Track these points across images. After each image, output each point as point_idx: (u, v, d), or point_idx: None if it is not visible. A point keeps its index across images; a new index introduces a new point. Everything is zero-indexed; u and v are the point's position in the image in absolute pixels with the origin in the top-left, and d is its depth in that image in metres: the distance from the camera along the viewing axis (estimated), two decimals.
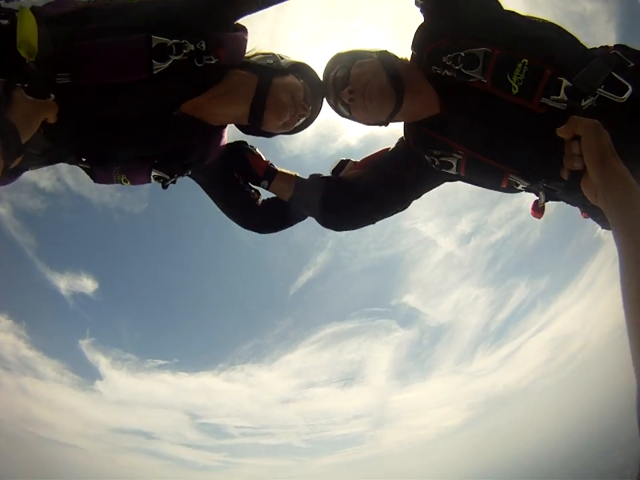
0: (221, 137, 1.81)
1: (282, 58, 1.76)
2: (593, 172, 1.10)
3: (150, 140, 1.62)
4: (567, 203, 1.70)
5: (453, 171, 1.74)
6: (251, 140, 1.98)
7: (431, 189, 1.95)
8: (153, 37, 1.43)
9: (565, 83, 1.41)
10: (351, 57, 1.79)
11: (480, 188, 1.87)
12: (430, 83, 1.69)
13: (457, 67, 1.54)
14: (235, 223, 2.03)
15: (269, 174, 1.94)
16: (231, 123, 1.82)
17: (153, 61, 1.44)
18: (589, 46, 1.61)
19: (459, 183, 1.88)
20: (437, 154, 1.74)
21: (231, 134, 1.88)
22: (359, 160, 2.06)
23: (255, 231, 2.07)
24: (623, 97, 1.37)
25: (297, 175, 1.98)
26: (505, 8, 1.67)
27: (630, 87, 1.37)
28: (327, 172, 2.06)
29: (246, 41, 1.70)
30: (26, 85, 1.31)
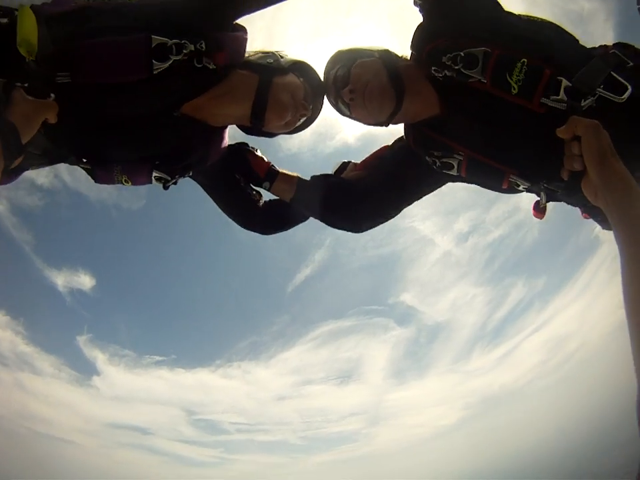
0: (222, 138, 1.80)
1: (282, 57, 1.75)
2: (593, 172, 1.10)
3: (150, 140, 1.62)
4: (568, 203, 1.70)
5: (453, 172, 1.74)
6: (251, 140, 1.98)
7: (432, 190, 1.95)
8: (152, 36, 1.43)
9: (565, 82, 1.40)
10: (351, 55, 1.79)
11: (477, 187, 1.86)
12: (430, 83, 1.68)
13: (456, 67, 1.54)
14: (236, 224, 2.02)
15: (270, 175, 1.93)
16: (232, 124, 1.82)
17: (153, 60, 1.43)
18: (588, 45, 1.61)
19: None
20: (438, 155, 1.74)
21: (231, 134, 1.88)
22: (359, 161, 2.05)
23: (257, 232, 2.07)
24: (623, 97, 1.37)
25: (299, 176, 1.97)
26: (503, 7, 1.66)
27: (629, 86, 1.37)
28: (326, 171, 2.06)
29: (246, 40, 1.69)
30: (26, 85, 1.30)
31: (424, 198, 1.98)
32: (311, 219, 2.03)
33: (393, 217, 1.96)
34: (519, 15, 1.65)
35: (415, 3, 1.75)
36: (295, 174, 1.98)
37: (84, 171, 1.64)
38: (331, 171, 2.08)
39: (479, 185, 1.83)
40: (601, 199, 1.09)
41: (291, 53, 1.81)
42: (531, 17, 1.65)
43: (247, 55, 1.73)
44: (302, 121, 1.81)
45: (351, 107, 1.75)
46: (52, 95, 1.34)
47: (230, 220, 2.03)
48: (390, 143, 2.03)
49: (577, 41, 1.61)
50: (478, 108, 1.58)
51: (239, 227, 2.02)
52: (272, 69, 1.70)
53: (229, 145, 1.88)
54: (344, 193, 1.92)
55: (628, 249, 0.96)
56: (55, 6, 1.48)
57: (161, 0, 1.57)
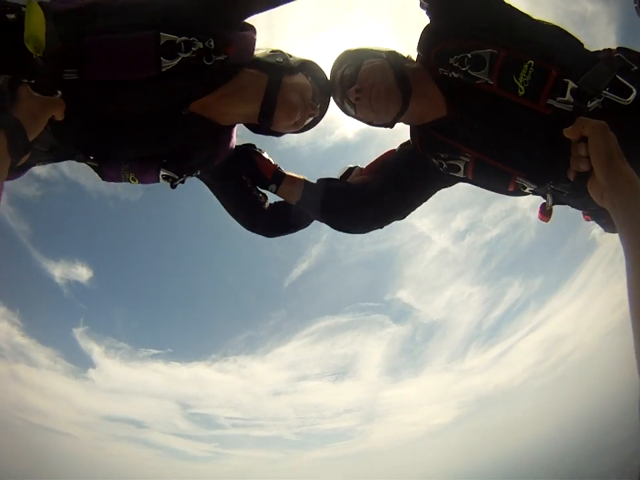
0: (230, 137, 1.79)
1: (290, 56, 1.75)
2: (600, 173, 1.10)
3: (158, 139, 1.61)
4: (572, 206, 1.71)
5: (460, 174, 1.74)
6: (256, 139, 1.97)
7: (438, 190, 1.95)
8: (161, 33, 1.41)
9: (571, 84, 1.42)
10: (359, 55, 1.79)
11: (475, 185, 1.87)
12: (436, 85, 1.69)
13: (463, 69, 1.54)
14: (239, 224, 2.00)
15: (276, 177, 1.92)
16: (240, 123, 1.81)
17: (162, 58, 1.42)
18: (590, 47, 1.63)
19: None
20: (444, 157, 1.74)
21: (237, 132, 1.86)
22: (364, 166, 2.06)
23: (262, 234, 2.06)
24: (628, 100, 1.39)
25: (306, 178, 1.97)
26: (509, 7, 1.66)
27: (634, 89, 1.39)
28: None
29: (254, 40, 1.69)
30: (32, 81, 1.29)
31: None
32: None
33: (398, 219, 1.96)
34: (525, 16, 1.66)
35: (422, 5, 1.74)
36: (301, 177, 1.97)
37: (91, 169, 1.64)
38: (336, 175, 2.07)
39: (484, 187, 1.83)
40: (607, 200, 1.09)
41: (296, 49, 1.81)
42: (536, 19, 1.66)
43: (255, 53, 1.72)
44: (309, 120, 1.82)
45: (356, 107, 1.75)
46: (59, 92, 1.33)
47: (230, 217, 2.01)
48: (395, 147, 2.03)
49: (581, 44, 1.62)
50: (485, 109, 1.59)
51: (243, 228, 2.01)
52: (281, 68, 1.70)
53: (236, 147, 1.87)
54: (349, 196, 1.92)
55: (634, 251, 0.97)
56: (63, 2, 1.46)
57: None
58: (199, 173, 1.78)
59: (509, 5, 1.67)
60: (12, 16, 1.35)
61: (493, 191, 1.82)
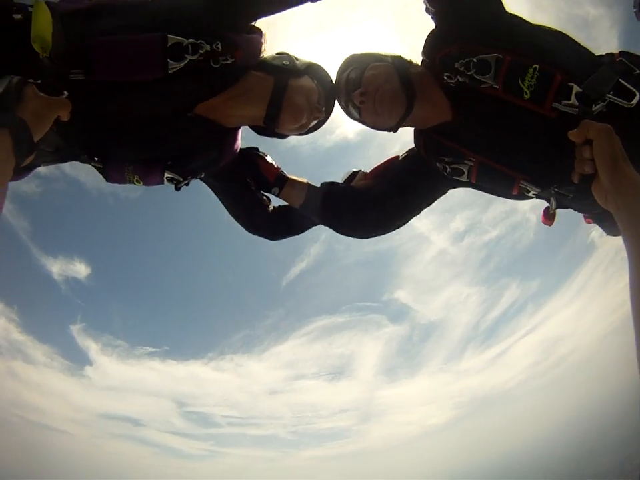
0: (235, 139, 1.80)
1: (297, 59, 1.76)
2: (605, 176, 1.10)
3: (163, 141, 1.61)
4: (575, 209, 1.72)
5: (464, 178, 1.74)
6: (260, 141, 1.98)
7: (441, 195, 1.95)
8: (168, 35, 1.42)
9: (576, 88, 1.43)
10: (364, 59, 1.80)
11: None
12: (441, 90, 1.70)
13: (469, 73, 1.55)
14: (241, 226, 2.00)
15: (279, 181, 1.93)
16: (245, 125, 1.81)
17: (169, 60, 1.43)
18: (592, 51, 1.65)
19: None
20: (448, 161, 1.74)
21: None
22: (368, 171, 2.06)
23: (264, 237, 2.06)
24: (632, 103, 1.41)
25: (309, 182, 1.97)
26: (513, 14, 1.68)
27: (638, 93, 1.41)
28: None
29: (261, 43, 1.69)
30: (39, 82, 1.28)
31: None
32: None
33: (401, 225, 1.96)
34: (528, 22, 1.67)
35: (427, 10, 1.75)
36: (304, 180, 1.97)
37: (95, 170, 1.64)
38: (339, 178, 2.08)
39: (488, 191, 1.84)
40: (611, 203, 1.10)
41: (298, 48, 1.81)
42: (539, 25, 1.67)
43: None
44: (314, 122, 1.82)
45: (361, 110, 1.76)
46: (65, 92, 1.32)
47: (229, 216, 2.00)
48: (396, 147, 2.06)
49: (585, 48, 1.64)
50: (490, 113, 1.59)
51: (246, 231, 2.01)
52: (287, 70, 1.70)
53: (240, 149, 1.87)
54: (353, 200, 1.92)
55: (637, 253, 0.97)
56: (70, 3, 1.47)
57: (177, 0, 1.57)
58: (203, 175, 1.78)
59: (512, 12, 1.68)
60: (18, 16, 1.35)
61: (496, 194, 1.82)
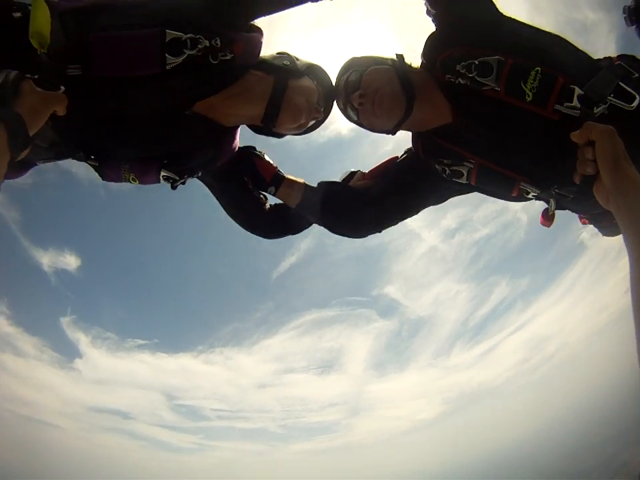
0: (233, 138, 1.79)
1: (297, 59, 1.75)
2: (607, 176, 1.11)
3: (159, 138, 1.60)
4: (573, 210, 1.74)
5: (463, 180, 1.74)
6: (257, 140, 1.97)
7: (440, 201, 1.96)
8: (167, 31, 1.41)
9: (577, 91, 1.45)
10: (364, 62, 1.80)
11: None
12: (442, 92, 1.70)
13: (470, 75, 1.56)
14: (237, 224, 1.99)
15: (276, 180, 1.92)
16: (243, 124, 1.81)
17: (167, 55, 1.41)
18: (591, 55, 1.66)
19: None
20: (448, 163, 1.74)
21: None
22: (367, 171, 2.06)
23: (261, 236, 2.06)
24: (632, 105, 1.44)
25: (305, 182, 1.97)
26: (513, 18, 1.69)
27: (638, 96, 1.43)
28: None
29: (261, 43, 1.68)
30: (36, 77, 1.27)
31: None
32: None
33: (398, 222, 1.97)
34: (528, 25, 1.69)
35: (428, 13, 1.76)
36: (301, 180, 1.97)
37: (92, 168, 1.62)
38: (336, 177, 2.08)
39: (487, 193, 1.84)
40: (612, 203, 1.11)
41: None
42: (538, 28, 1.69)
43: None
44: (312, 123, 1.82)
45: (359, 112, 1.76)
46: (62, 87, 1.32)
47: (217, 205, 1.99)
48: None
49: (584, 52, 1.65)
50: (491, 115, 1.60)
51: (244, 230, 2.00)
52: (288, 71, 1.70)
53: (238, 148, 1.86)
54: (350, 200, 1.92)
55: (637, 252, 0.99)
56: (70, 1, 1.45)
57: None
58: (199, 174, 1.77)
59: (510, 16, 1.69)
60: (18, 14, 1.35)
61: (495, 196, 1.83)
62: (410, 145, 1.97)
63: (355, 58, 1.85)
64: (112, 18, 1.43)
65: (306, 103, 1.69)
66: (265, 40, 1.71)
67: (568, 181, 1.29)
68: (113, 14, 1.44)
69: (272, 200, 2.02)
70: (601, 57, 1.68)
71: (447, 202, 1.98)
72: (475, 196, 1.91)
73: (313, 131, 1.92)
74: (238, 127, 1.80)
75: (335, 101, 1.88)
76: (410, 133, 1.94)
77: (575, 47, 1.65)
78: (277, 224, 2.04)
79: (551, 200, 1.61)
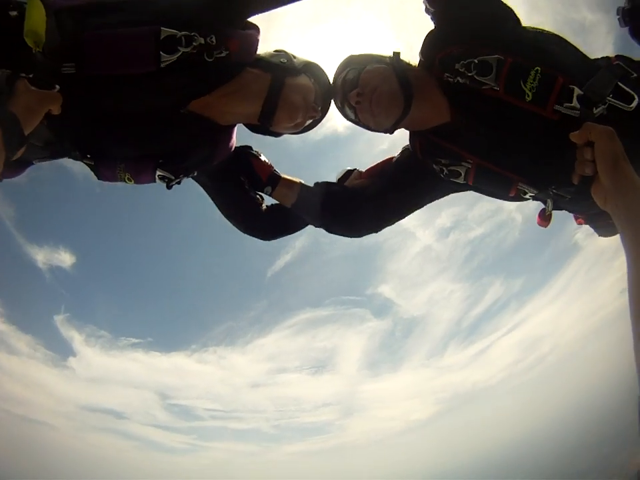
0: (229, 137, 1.77)
1: (294, 57, 1.74)
2: (605, 176, 1.12)
3: (155, 137, 1.59)
4: (570, 211, 1.74)
5: (460, 180, 1.74)
6: (254, 139, 1.96)
7: (436, 198, 1.95)
8: (162, 28, 1.40)
9: (577, 91, 1.45)
10: (362, 60, 1.79)
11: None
12: (440, 91, 1.69)
13: (469, 74, 1.55)
14: (234, 226, 1.98)
15: (272, 180, 1.92)
16: (240, 123, 1.79)
17: (162, 53, 1.41)
18: (589, 55, 1.66)
19: None
20: (445, 163, 1.74)
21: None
22: (364, 170, 2.05)
23: (257, 237, 2.04)
24: (631, 106, 1.43)
25: (302, 182, 1.96)
26: (514, 17, 1.68)
27: (636, 96, 1.43)
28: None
29: (257, 40, 1.66)
30: (31, 76, 1.27)
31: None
32: None
33: (395, 222, 1.96)
34: (527, 26, 1.68)
35: (427, 11, 1.75)
36: (297, 180, 1.96)
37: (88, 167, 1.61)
38: (334, 178, 2.07)
39: (484, 193, 1.84)
40: (610, 203, 1.11)
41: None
42: (537, 28, 1.68)
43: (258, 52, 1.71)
44: (309, 122, 1.81)
45: (357, 110, 1.75)
46: (57, 86, 1.32)
47: (215, 207, 1.98)
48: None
49: (582, 53, 1.65)
50: (490, 115, 1.60)
51: (240, 231, 1.99)
52: (284, 68, 1.69)
53: (235, 148, 1.85)
54: (347, 200, 1.92)
55: (635, 252, 0.99)
56: (66, 0, 1.44)
57: None
58: (195, 174, 1.76)
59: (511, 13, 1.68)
60: (14, 13, 1.33)
61: (492, 196, 1.83)
62: (407, 144, 1.95)
63: (352, 56, 1.84)
64: (107, 16, 1.42)
65: (303, 101, 1.68)
66: (261, 37, 1.69)
67: (566, 181, 1.29)
68: (108, 12, 1.44)
69: (268, 200, 2.01)
70: (599, 57, 1.67)
71: (441, 201, 1.98)
72: (470, 195, 1.92)
73: (310, 130, 1.90)
74: (234, 125, 1.78)
75: (333, 99, 1.87)
76: (407, 132, 1.92)
77: (574, 47, 1.65)
78: (273, 225, 2.04)
79: (548, 200, 1.61)
